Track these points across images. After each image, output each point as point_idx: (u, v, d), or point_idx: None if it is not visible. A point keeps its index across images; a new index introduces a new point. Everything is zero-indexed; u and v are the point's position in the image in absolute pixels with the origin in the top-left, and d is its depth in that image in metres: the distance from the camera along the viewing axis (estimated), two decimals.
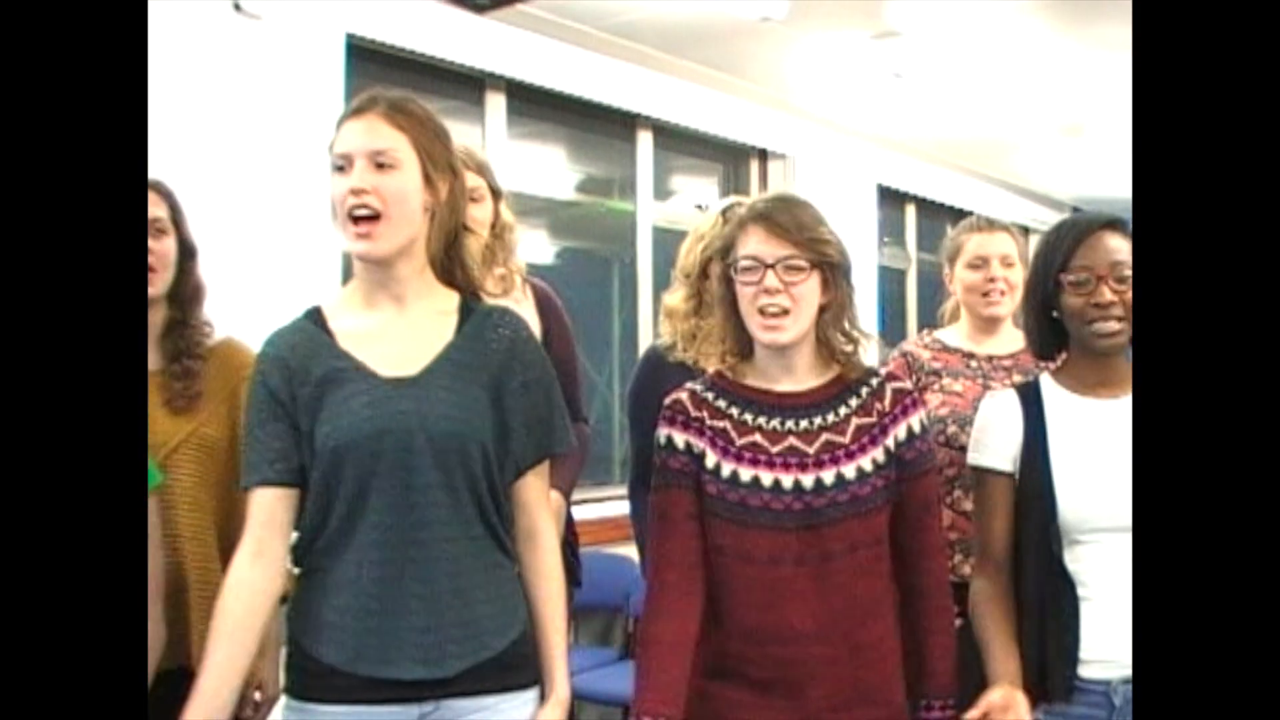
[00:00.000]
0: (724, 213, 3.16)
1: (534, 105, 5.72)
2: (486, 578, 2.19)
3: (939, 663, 2.40)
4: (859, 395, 2.41)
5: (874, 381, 2.43)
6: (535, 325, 3.16)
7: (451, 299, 2.30)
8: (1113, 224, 2.47)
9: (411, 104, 2.26)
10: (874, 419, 2.39)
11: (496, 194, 3.23)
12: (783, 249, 2.34)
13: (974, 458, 2.51)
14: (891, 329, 7.30)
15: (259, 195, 4.15)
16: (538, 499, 2.32)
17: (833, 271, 2.38)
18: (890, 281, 8.54)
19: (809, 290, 2.35)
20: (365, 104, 2.23)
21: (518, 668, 2.24)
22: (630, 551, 3.36)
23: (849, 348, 2.42)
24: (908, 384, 2.51)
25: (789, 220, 2.36)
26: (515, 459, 2.26)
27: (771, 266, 2.33)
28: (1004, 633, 2.40)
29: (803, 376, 2.41)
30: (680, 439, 2.39)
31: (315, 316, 2.27)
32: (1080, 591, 2.36)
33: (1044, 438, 2.43)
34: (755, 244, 2.35)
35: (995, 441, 2.47)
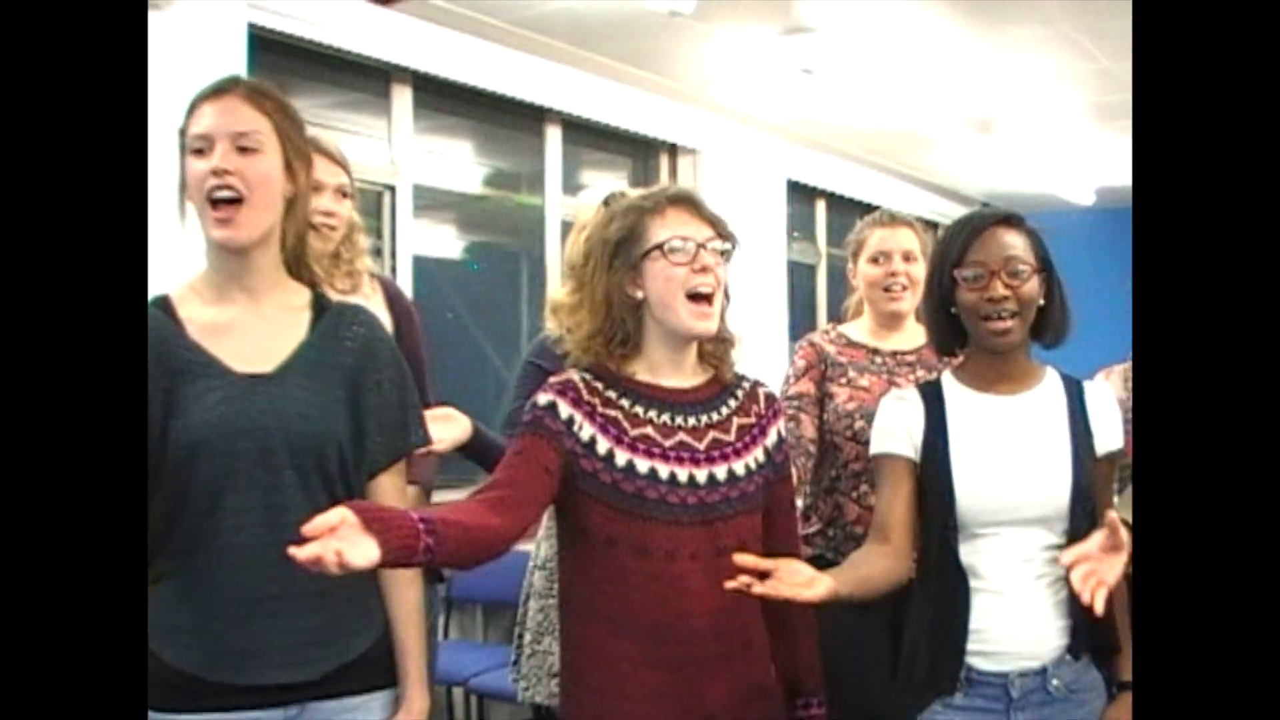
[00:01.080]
0: (606, 203, 3.15)
1: (441, 98, 5.72)
2: (345, 579, 2.10)
3: (812, 661, 2.46)
4: (736, 397, 2.43)
5: (746, 385, 2.46)
6: (386, 322, 3.16)
7: (303, 294, 2.27)
8: (1008, 220, 2.51)
9: (271, 88, 2.23)
10: (753, 420, 2.42)
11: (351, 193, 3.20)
12: (707, 228, 2.35)
13: (876, 448, 2.53)
14: (801, 324, 7.35)
15: (159, 185, 4.09)
16: (393, 499, 2.27)
17: (729, 259, 2.39)
18: (800, 276, 8.60)
19: (723, 277, 2.36)
20: (225, 85, 2.20)
21: (380, 667, 2.23)
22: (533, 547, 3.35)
23: (724, 348, 2.44)
24: (773, 390, 2.54)
25: (702, 202, 2.39)
26: (370, 459, 2.23)
27: (702, 245, 2.32)
28: (853, 579, 2.37)
29: (689, 374, 2.41)
30: (565, 409, 2.31)
31: (163, 304, 2.20)
32: (976, 584, 2.41)
33: (945, 433, 2.46)
34: (681, 225, 2.33)
35: (898, 432, 2.49)
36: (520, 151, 6.41)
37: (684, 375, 2.40)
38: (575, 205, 6.05)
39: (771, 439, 2.43)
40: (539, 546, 3.20)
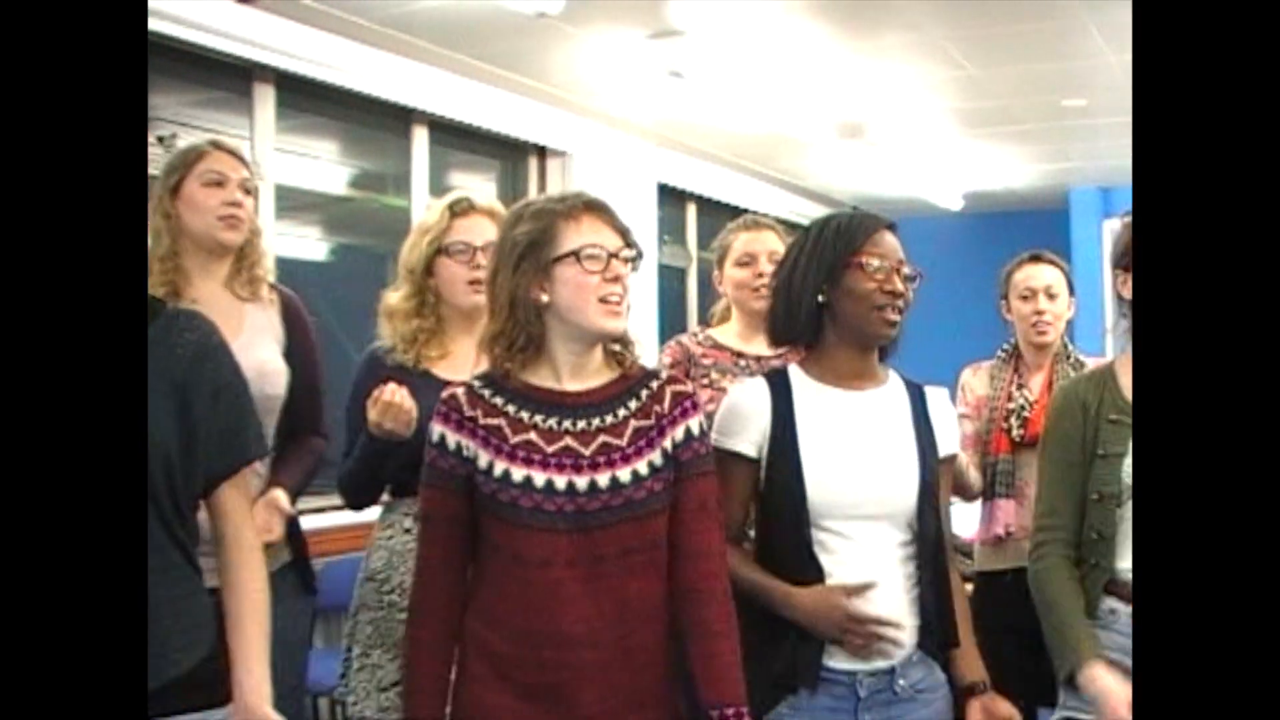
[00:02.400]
0: (451, 207, 3.14)
1: (305, 98, 5.65)
2: (171, 593, 2.09)
3: (730, 669, 2.33)
4: (639, 398, 2.41)
5: (654, 384, 2.44)
6: (279, 334, 3.12)
7: None
8: (892, 227, 2.56)
9: None
10: (652, 421, 2.38)
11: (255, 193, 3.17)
12: (617, 239, 2.36)
13: (719, 440, 2.53)
14: (671, 327, 7.39)
15: None
16: (236, 507, 2.24)
17: (635, 268, 2.41)
18: (670, 280, 8.65)
19: (630, 286, 2.38)
20: None
21: (208, 686, 2.17)
22: None
23: (626, 349, 2.44)
24: (687, 386, 2.51)
25: (614, 211, 2.40)
26: (205, 468, 2.18)
27: (615, 255, 2.34)
28: (766, 572, 2.46)
29: (592, 375, 2.40)
30: (452, 440, 2.34)
31: None
32: (828, 581, 2.44)
33: (793, 426, 2.49)
34: (594, 233, 2.34)
35: (742, 427, 2.51)
36: (386, 152, 6.37)
37: (587, 377, 2.40)
38: (428, 206, 6.00)
39: (675, 438, 2.38)
40: (368, 558, 3.16)
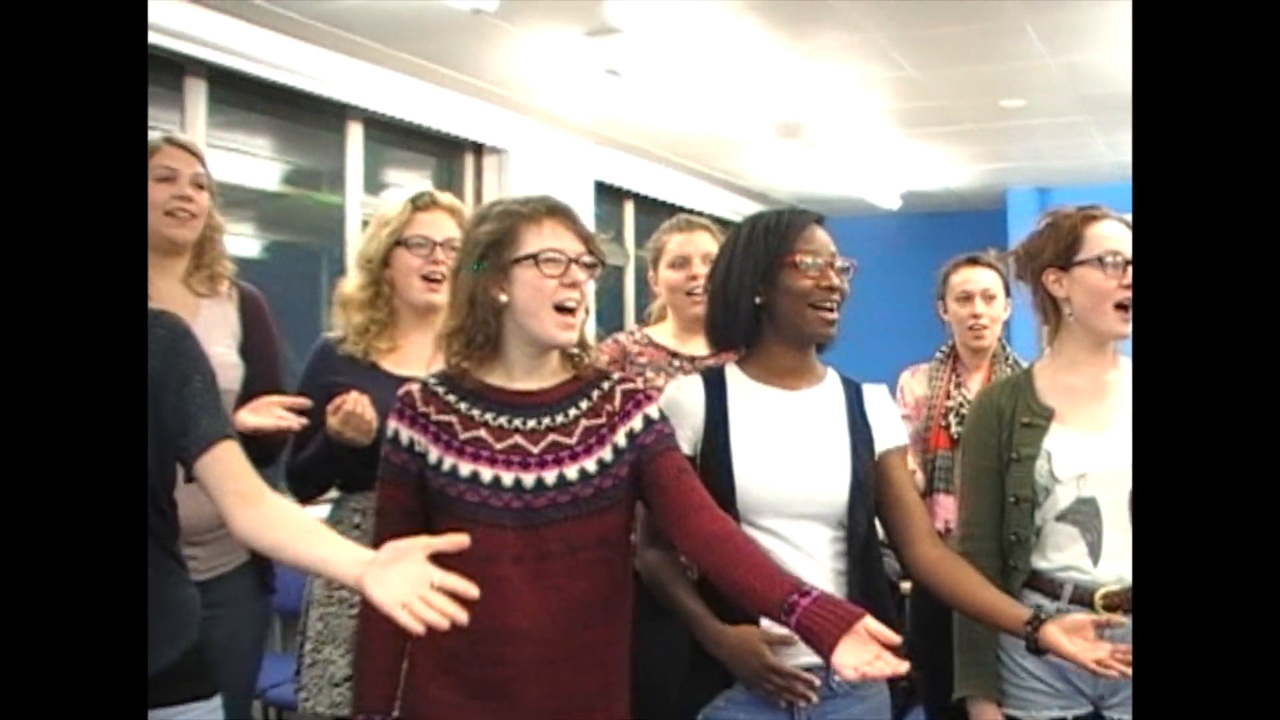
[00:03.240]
0: (413, 201, 3.14)
1: (238, 93, 5.62)
2: (154, 585, 2.06)
3: (780, 571, 2.26)
4: (590, 398, 2.43)
5: (605, 385, 2.46)
6: (235, 330, 3.11)
7: None
8: (820, 220, 2.59)
9: None
10: (603, 420, 2.41)
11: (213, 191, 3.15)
12: (580, 245, 2.39)
13: None
14: (608, 325, 7.39)
15: None
16: (237, 468, 2.20)
17: (597, 270, 2.43)
18: (607, 278, 8.64)
19: (588, 293, 2.42)
20: None
21: (193, 677, 2.20)
22: None
23: (584, 352, 2.46)
24: (638, 384, 2.53)
25: (578, 217, 2.43)
26: (184, 450, 2.17)
27: (574, 260, 2.36)
28: (698, 598, 2.47)
29: (547, 377, 2.43)
30: (405, 435, 2.39)
31: None
32: None
33: (726, 424, 2.51)
34: (554, 237, 2.37)
35: (677, 423, 2.51)
36: (321, 149, 6.33)
37: (543, 379, 2.43)
38: (378, 204, 5.99)
39: (633, 428, 2.40)
40: None
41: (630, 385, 2.48)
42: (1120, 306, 2.62)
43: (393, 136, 6.67)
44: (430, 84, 6.45)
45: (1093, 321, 2.65)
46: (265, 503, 2.19)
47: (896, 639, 2.08)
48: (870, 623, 2.08)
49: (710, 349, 2.75)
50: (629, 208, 9.26)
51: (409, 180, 7.00)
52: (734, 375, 2.59)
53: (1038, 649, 2.36)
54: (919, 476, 3.79)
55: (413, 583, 1.96)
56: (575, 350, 2.45)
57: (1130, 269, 2.61)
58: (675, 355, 3.46)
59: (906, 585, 3.96)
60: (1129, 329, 2.63)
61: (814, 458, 2.51)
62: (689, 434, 2.52)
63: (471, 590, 1.96)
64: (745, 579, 2.24)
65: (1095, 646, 2.30)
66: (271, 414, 2.88)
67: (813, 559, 2.48)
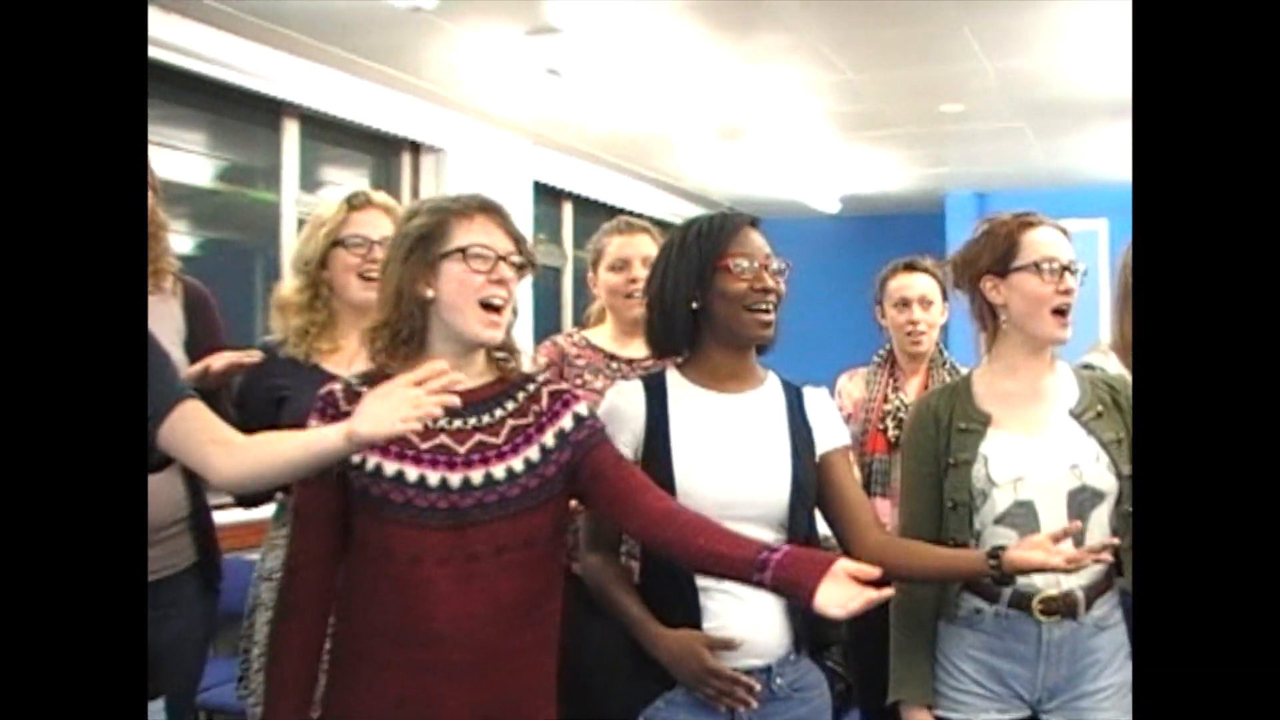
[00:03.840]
0: (348, 200, 3.13)
1: (171, 88, 5.56)
2: None
3: (739, 534, 2.31)
4: (516, 399, 2.42)
5: (531, 386, 2.45)
6: (179, 325, 3.08)
7: None
8: (754, 222, 2.61)
9: None
10: (530, 419, 2.40)
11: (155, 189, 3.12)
12: (510, 244, 2.38)
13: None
14: (546, 327, 7.39)
15: None
16: (205, 419, 2.26)
17: (526, 271, 2.43)
18: (545, 279, 8.65)
19: (515, 293, 2.39)
20: None
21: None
22: None
23: (512, 355, 2.45)
24: (565, 386, 2.54)
25: (510, 216, 2.42)
26: (156, 410, 2.20)
27: (503, 258, 2.35)
28: (640, 602, 2.49)
29: (473, 376, 2.40)
30: None
31: None
32: (702, 583, 2.47)
33: (667, 428, 2.52)
34: (483, 234, 2.36)
35: (617, 428, 2.53)
36: (255, 145, 6.29)
37: (467, 378, 2.38)
38: (313, 202, 5.96)
39: (563, 427, 2.40)
40: (264, 558, 3.15)
41: (557, 386, 2.49)
42: (1057, 312, 2.65)
43: (329, 134, 6.64)
44: (368, 81, 6.42)
45: (1030, 327, 2.67)
46: (240, 441, 2.25)
47: (875, 571, 2.12)
48: (846, 563, 2.13)
49: (650, 354, 2.76)
50: (568, 209, 9.26)
51: (345, 178, 6.96)
52: (674, 380, 2.59)
53: (1006, 577, 2.43)
54: (857, 475, 3.81)
55: (395, 401, 2.05)
56: (501, 354, 2.44)
57: (1066, 275, 2.65)
58: (613, 358, 3.46)
59: None
60: (1066, 334, 2.66)
61: (755, 460, 2.52)
62: (629, 439, 2.53)
63: (442, 366, 2.10)
64: (710, 544, 2.28)
65: (1057, 552, 2.36)
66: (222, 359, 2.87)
67: None
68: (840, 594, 2.10)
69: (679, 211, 9.76)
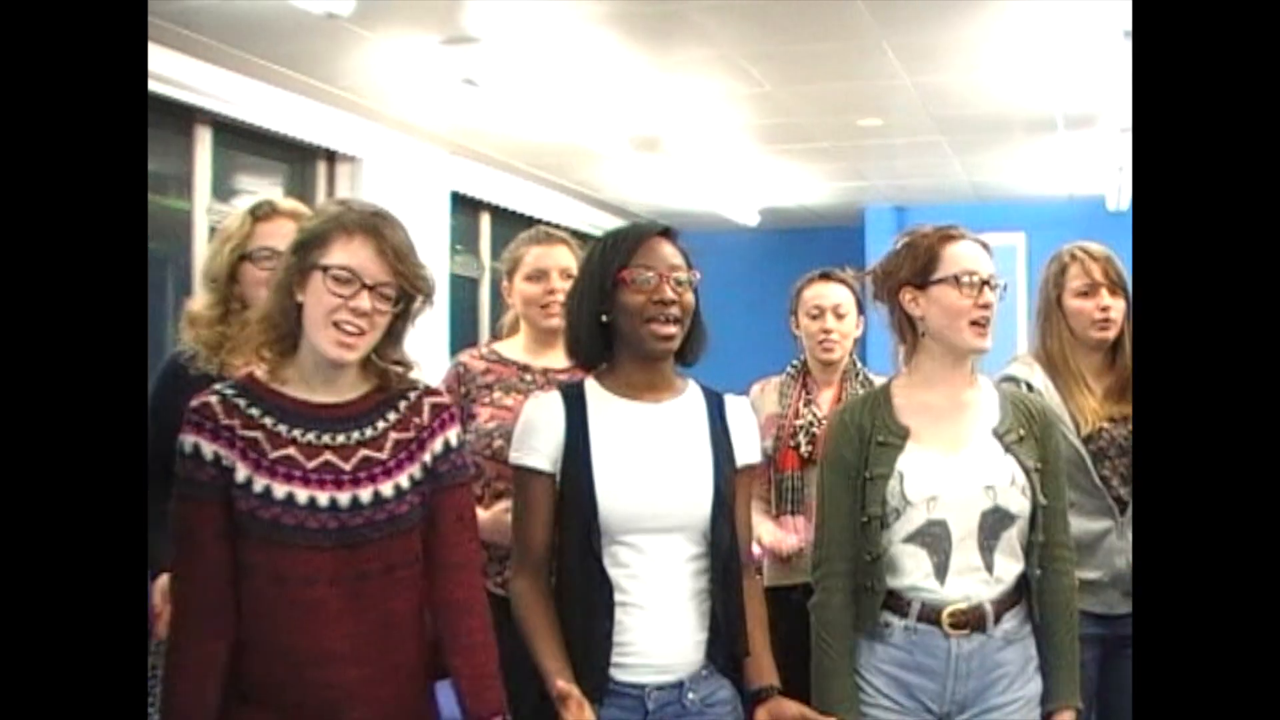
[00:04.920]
0: (253, 212, 3.10)
1: None
2: None
3: (492, 679, 2.40)
4: (397, 409, 2.41)
5: (412, 395, 2.44)
6: None
7: None
8: (667, 232, 2.61)
9: None
10: (412, 434, 2.40)
11: None
12: (383, 273, 2.32)
13: (515, 457, 2.56)
14: (463, 339, 7.36)
15: None
16: None
17: (415, 299, 2.39)
18: (462, 290, 8.62)
19: (388, 315, 2.35)
20: None
21: None
22: None
23: (396, 368, 2.43)
24: (445, 398, 2.53)
25: (397, 242, 2.35)
26: None
27: (370, 288, 2.30)
28: (553, 633, 2.47)
29: (346, 389, 2.39)
30: (209, 449, 2.28)
31: None
32: (619, 596, 2.47)
33: (586, 439, 2.52)
34: (355, 258, 2.30)
35: (537, 442, 2.53)
36: (167, 152, 6.21)
37: (341, 389, 2.38)
38: (226, 210, 5.90)
39: (435, 450, 2.41)
40: None
41: (438, 399, 2.48)
42: (975, 324, 2.67)
43: (243, 141, 6.58)
44: (282, 89, 6.37)
45: (949, 338, 2.70)
46: None
47: None
48: None
49: (571, 365, 2.76)
50: (485, 219, 9.24)
51: (259, 187, 6.90)
52: (593, 390, 2.59)
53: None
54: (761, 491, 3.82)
55: None
56: (381, 364, 2.40)
57: (986, 289, 2.68)
58: (527, 369, 3.44)
59: None
60: (985, 345, 2.69)
61: (676, 471, 2.53)
62: (550, 450, 2.52)
63: None
64: (457, 667, 2.40)
65: None
66: None
67: (673, 575, 2.50)
68: None
69: (597, 223, 9.77)
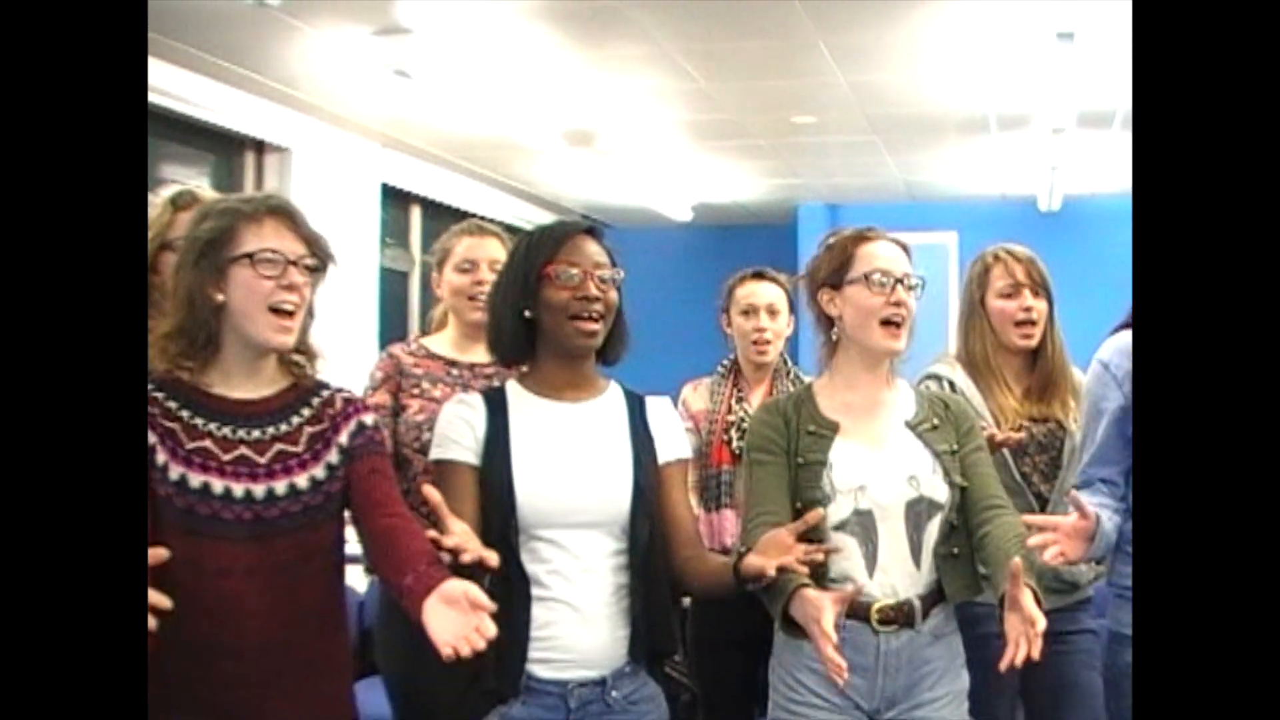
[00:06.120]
0: (174, 202, 3.08)
1: None
2: None
3: (437, 567, 2.24)
4: (311, 405, 2.43)
5: (325, 393, 2.46)
6: None
7: None
8: (592, 231, 2.63)
9: None
10: (326, 424, 2.42)
11: None
12: (301, 247, 2.35)
13: (436, 454, 2.57)
14: (393, 332, 7.33)
15: None
16: None
17: (325, 271, 2.41)
18: (392, 284, 8.58)
19: (309, 296, 2.37)
20: None
21: None
22: None
23: (306, 359, 2.45)
24: (357, 395, 2.55)
25: (301, 218, 2.38)
26: None
27: (294, 262, 2.33)
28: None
29: (265, 384, 2.40)
30: None
31: None
32: (538, 591, 2.49)
33: (506, 437, 2.53)
34: (273, 238, 2.32)
35: (458, 436, 2.54)
36: None
37: (260, 385, 2.39)
38: (151, 201, 5.83)
39: (349, 431, 2.42)
40: None
41: (350, 394, 2.51)
42: (887, 323, 2.70)
43: (168, 131, 6.52)
44: (210, 78, 6.33)
45: (861, 338, 2.73)
46: None
47: (490, 605, 2.09)
48: (471, 590, 2.10)
49: (493, 361, 2.76)
50: (416, 213, 9.21)
51: (186, 176, 6.83)
52: (514, 391, 2.62)
53: (744, 577, 2.43)
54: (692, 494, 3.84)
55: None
56: (297, 357, 2.43)
57: (899, 287, 2.71)
58: (454, 364, 3.44)
59: (687, 600, 4.00)
60: (898, 345, 2.73)
61: (595, 466, 2.55)
62: (472, 445, 2.53)
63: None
64: (400, 539, 2.31)
65: (790, 548, 2.40)
66: None
67: (593, 571, 2.52)
68: (455, 625, 2.08)
69: (530, 218, 9.77)
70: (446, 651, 2.05)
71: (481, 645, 2.05)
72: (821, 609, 2.35)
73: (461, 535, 2.23)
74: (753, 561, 2.40)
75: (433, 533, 2.23)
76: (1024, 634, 2.36)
